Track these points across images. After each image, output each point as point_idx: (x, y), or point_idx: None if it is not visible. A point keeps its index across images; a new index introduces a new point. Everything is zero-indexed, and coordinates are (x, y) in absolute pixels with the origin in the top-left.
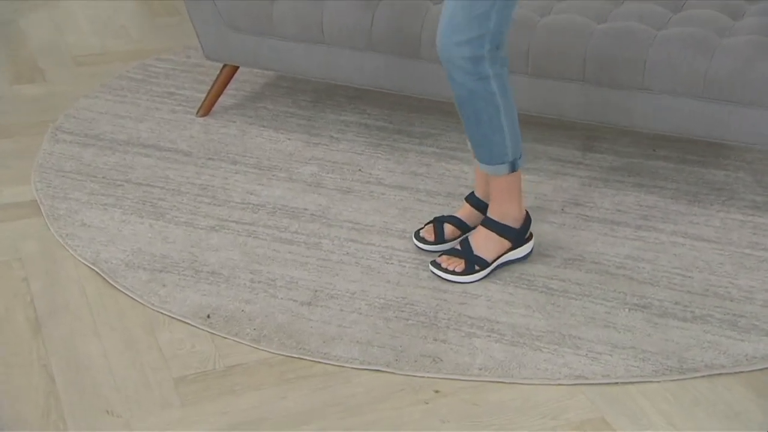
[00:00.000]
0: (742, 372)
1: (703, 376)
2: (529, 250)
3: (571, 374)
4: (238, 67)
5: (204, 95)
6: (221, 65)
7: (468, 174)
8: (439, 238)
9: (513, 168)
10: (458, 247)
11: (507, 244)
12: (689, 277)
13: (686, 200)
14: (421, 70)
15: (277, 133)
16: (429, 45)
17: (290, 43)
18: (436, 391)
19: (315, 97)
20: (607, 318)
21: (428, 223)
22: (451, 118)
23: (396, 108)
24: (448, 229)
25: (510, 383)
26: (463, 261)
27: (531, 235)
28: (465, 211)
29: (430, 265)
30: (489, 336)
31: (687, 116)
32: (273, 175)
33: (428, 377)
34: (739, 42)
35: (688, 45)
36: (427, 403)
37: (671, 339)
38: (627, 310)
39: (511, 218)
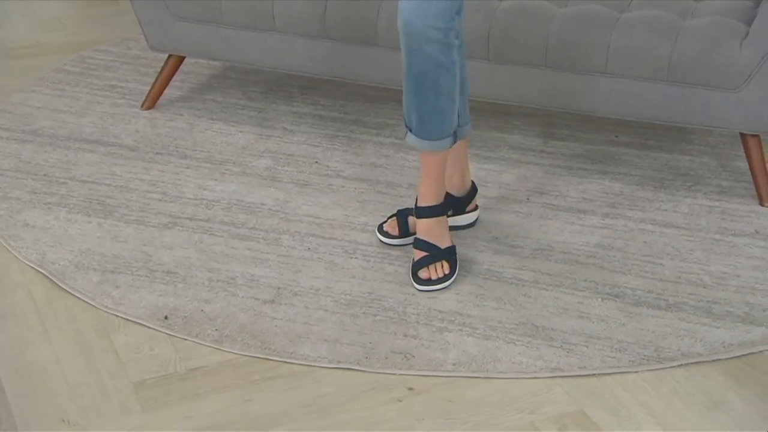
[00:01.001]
0: (719, 360)
1: (680, 365)
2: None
3: (547, 367)
4: (183, 58)
5: (148, 88)
6: (166, 56)
7: None
8: (403, 232)
9: (454, 139)
10: (423, 253)
11: (445, 219)
12: (660, 264)
13: (652, 186)
14: (378, 57)
15: (228, 126)
16: (386, 31)
17: (240, 32)
18: (410, 389)
19: (266, 88)
20: (579, 308)
21: (391, 217)
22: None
23: (350, 98)
24: (412, 221)
25: (485, 378)
26: (442, 261)
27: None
28: None
29: (416, 286)
30: (461, 330)
31: (651, 101)
32: (226, 170)
33: (400, 374)
34: (703, 24)
35: (652, 28)
36: (400, 401)
37: (646, 328)
38: (600, 299)
39: (442, 193)
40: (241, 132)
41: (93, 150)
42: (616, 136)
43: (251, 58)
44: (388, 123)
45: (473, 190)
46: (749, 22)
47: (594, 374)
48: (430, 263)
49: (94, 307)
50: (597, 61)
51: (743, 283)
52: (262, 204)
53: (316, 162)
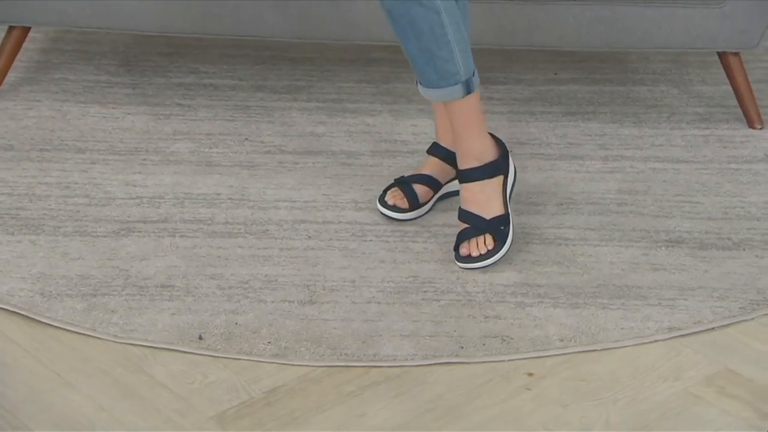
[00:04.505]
0: None
1: None
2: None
3: (660, 328)
4: (28, 30)
5: None
6: (4, 30)
7: (377, 126)
8: (413, 203)
9: (468, 88)
10: (465, 225)
11: (501, 179)
12: (697, 202)
13: (631, 122)
14: (257, 6)
15: (108, 109)
16: None
17: None
18: (530, 374)
19: (121, 60)
20: (649, 261)
21: (389, 189)
22: (307, 64)
23: (232, 62)
24: (421, 190)
25: (603, 350)
26: (485, 235)
27: None
28: (433, 166)
29: (459, 264)
30: (541, 302)
31: (628, 27)
32: (143, 160)
33: (509, 360)
34: None
35: None
36: (529, 390)
37: (732, 271)
38: (663, 248)
39: (490, 152)
40: (129, 114)
41: None
42: (555, 74)
43: (125, 23)
44: (297, 85)
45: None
46: None
47: (712, 328)
48: (472, 237)
49: (100, 339)
50: None
51: None
52: (217, 194)
53: (247, 139)
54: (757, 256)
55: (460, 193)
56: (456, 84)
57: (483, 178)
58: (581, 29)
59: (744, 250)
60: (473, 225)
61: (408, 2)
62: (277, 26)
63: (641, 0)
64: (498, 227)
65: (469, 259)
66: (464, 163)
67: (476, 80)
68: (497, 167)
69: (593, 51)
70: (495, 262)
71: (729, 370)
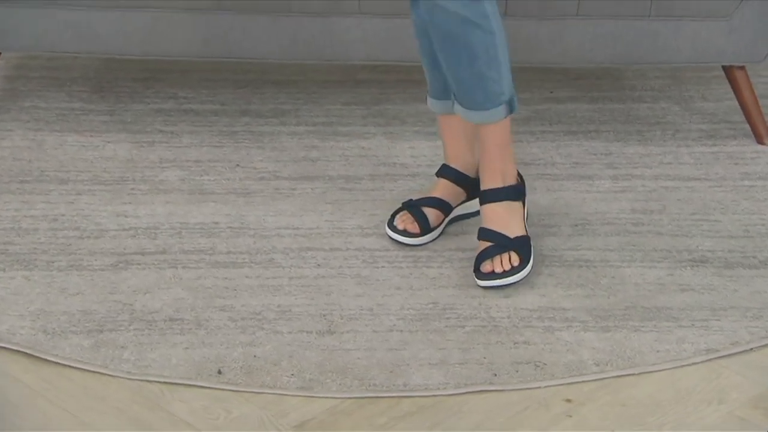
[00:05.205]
0: None
1: None
2: None
3: (697, 350)
4: None
5: None
6: None
7: (373, 149)
8: (424, 227)
9: (511, 108)
10: (487, 243)
11: (521, 204)
12: (716, 221)
13: (635, 140)
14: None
15: (86, 138)
16: None
17: (91, 13)
18: (568, 400)
19: (93, 86)
20: (676, 281)
21: (398, 213)
22: (291, 87)
23: (211, 86)
24: (432, 213)
25: (641, 374)
26: (510, 252)
27: None
28: (443, 189)
29: (477, 281)
30: (570, 326)
31: (633, 42)
32: (132, 189)
33: (546, 387)
34: None
35: None
36: (570, 416)
37: (762, 290)
38: (689, 268)
39: (513, 174)
40: (109, 142)
41: None
42: (551, 92)
43: (104, 47)
44: (284, 109)
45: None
46: None
47: (750, 349)
48: (495, 254)
49: (113, 376)
50: (566, 5)
51: None
52: (215, 223)
53: (238, 165)
54: None
55: (482, 213)
56: (500, 105)
57: (508, 200)
58: (584, 45)
59: None
60: (497, 243)
61: (467, 26)
62: (268, 47)
63: (646, 14)
64: (522, 246)
65: (492, 275)
66: (490, 183)
67: (516, 99)
68: (519, 191)
69: (589, 68)
70: (519, 280)
71: None
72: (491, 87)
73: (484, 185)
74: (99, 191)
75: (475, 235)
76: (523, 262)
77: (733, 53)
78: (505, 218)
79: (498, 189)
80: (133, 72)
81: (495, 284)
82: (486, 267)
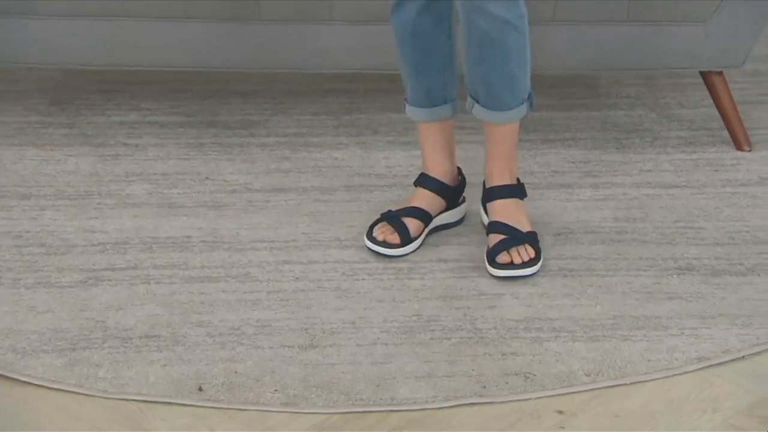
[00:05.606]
0: None
1: None
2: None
3: (689, 359)
4: None
5: None
6: None
7: (347, 160)
8: (405, 238)
9: (531, 104)
10: (501, 236)
11: (525, 204)
12: (700, 228)
13: (613, 148)
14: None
15: (47, 152)
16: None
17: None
18: (560, 412)
19: (52, 99)
20: (663, 289)
21: (377, 224)
22: (257, 97)
23: (175, 97)
24: (412, 224)
25: (633, 384)
26: (525, 245)
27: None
28: (422, 199)
29: (494, 271)
30: (558, 336)
31: (610, 47)
32: (98, 204)
33: (536, 398)
34: None
35: None
36: (563, 428)
37: (750, 297)
38: (675, 276)
39: (516, 175)
40: (71, 156)
41: None
42: None
43: (67, 58)
44: (252, 120)
45: (463, 178)
46: None
47: (742, 357)
48: (511, 246)
49: (89, 396)
50: (542, 10)
51: None
52: (187, 237)
53: (207, 178)
54: None
55: (490, 208)
56: (523, 103)
57: (516, 197)
58: (560, 52)
59: (759, 275)
60: (511, 235)
61: (506, 28)
62: (234, 56)
63: (623, 18)
64: (534, 240)
65: (511, 266)
66: (500, 180)
67: (533, 94)
68: (524, 191)
69: (563, 76)
70: (535, 273)
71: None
72: (518, 86)
73: (493, 182)
74: (63, 206)
75: (456, 246)
76: (538, 256)
77: (711, 58)
78: (515, 213)
79: (508, 186)
80: (92, 83)
81: (515, 274)
82: (503, 258)
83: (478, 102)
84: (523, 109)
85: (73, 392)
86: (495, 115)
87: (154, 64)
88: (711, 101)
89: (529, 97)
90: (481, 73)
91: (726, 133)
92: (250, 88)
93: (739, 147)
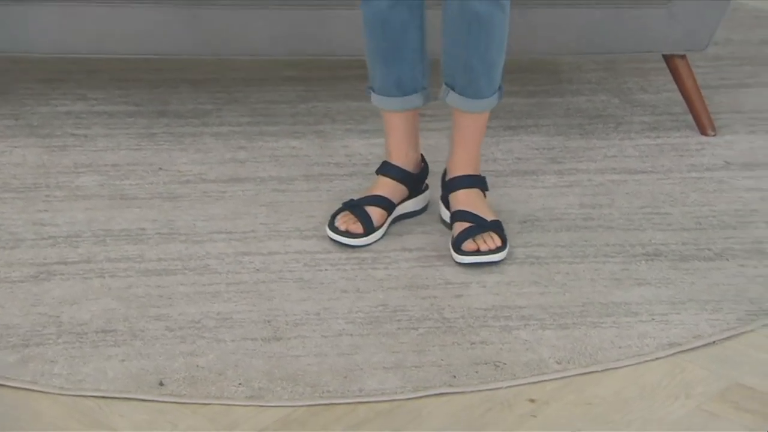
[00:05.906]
0: None
1: None
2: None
3: (660, 344)
4: None
5: None
6: None
7: (305, 149)
8: (368, 227)
9: (501, 94)
10: (466, 224)
11: (485, 196)
12: (667, 213)
13: (577, 134)
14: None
15: None
16: None
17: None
18: (531, 400)
19: None
20: (632, 276)
21: (339, 213)
22: (210, 85)
23: (123, 86)
24: (375, 213)
25: (604, 371)
26: (490, 233)
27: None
28: (385, 187)
29: (459, 258)
30: (528, 325)
31: (573, 31)
32: (46, 196)
33: (507, 387)
34: None
35: None
36: (535, 417)
37: (719, 282)
38: (643, 262)
39: (479, 166)
40: (16, 147)
41: None
42: None
43: (11, 45)
44: (204, 109)
45: (426, 165)
46: None
47: (713, 342)
48: (476, 234)
49: (44, 393)
50: None
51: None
52: (142, 229)
53: (161, 168)
54: (741, 265)
55: (452, 198)
56: (495, 92)
57: (478, 187)
58: (520, 37)
59: (727, 260)
60: (477, 223)
61: (494, 8)
62: (184, 42)
63: (584, 2)
64: (499, 228)
65: (478, 253)
66: (464, 170)
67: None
68: (486, 185)
69: (524, 62)
70: (502, 260)
71: (739, 385)
72: (494, 74)
73: (457, 172)
74: (10, 199)
75: (420, 235)
76: (504, 244)
77: (674, 41)
78: (478, 203)
79: (472, 176)
80: (35, 73)
81: (482, 260)
82: (469, 246)
83: (453, 89)
84: (495, 98)
85: (27, 389)
86: (470, 103)
87: (100, 51)
88: (674, 86)
89: (500, 87)
90: (463, 58)
91: (690, 117)
92: (202, 77)
93: (703, 131)
